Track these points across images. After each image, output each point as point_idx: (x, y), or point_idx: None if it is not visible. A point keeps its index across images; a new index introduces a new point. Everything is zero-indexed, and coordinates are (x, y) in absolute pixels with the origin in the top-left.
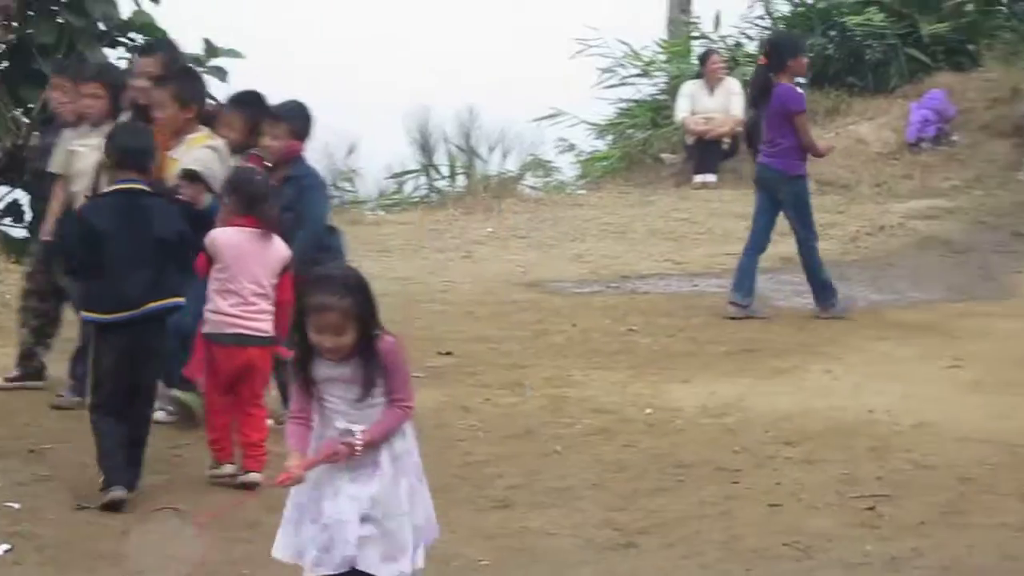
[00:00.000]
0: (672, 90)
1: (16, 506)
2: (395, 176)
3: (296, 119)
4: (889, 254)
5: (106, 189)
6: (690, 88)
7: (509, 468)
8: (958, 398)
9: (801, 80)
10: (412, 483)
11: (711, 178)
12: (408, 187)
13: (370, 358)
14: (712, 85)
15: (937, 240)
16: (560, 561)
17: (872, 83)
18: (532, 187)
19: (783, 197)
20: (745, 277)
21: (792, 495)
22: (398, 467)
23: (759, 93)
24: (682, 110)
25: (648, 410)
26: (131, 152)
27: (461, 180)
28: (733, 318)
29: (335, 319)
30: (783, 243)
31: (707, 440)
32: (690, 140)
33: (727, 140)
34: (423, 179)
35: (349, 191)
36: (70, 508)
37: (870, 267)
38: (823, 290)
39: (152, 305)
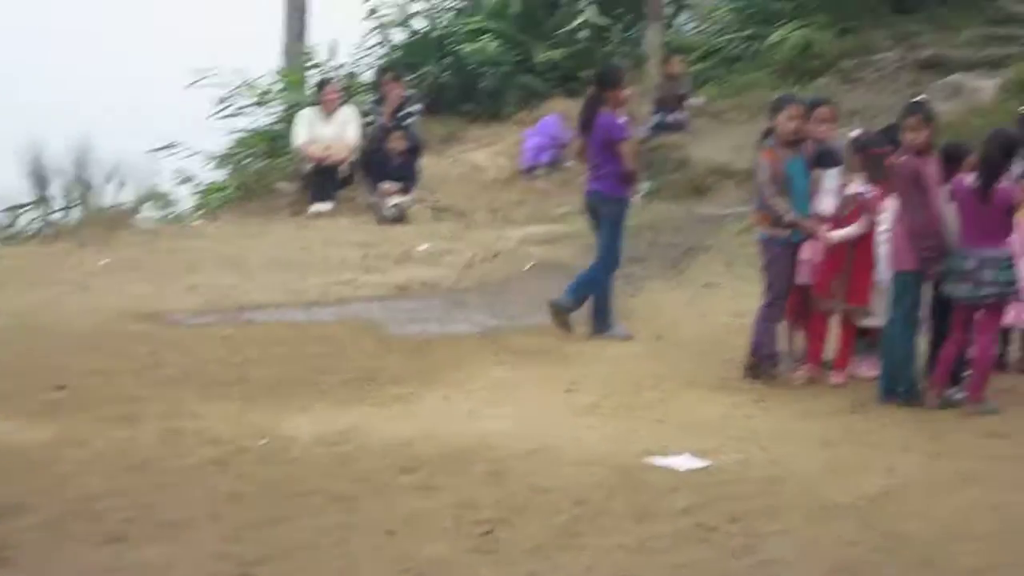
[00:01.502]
0: (288, 119)
1: None
2: (9, 209)
3: None
4: (505, 279)
5: None
6: (307, 116)
7: (124, 501)
8: (574, 421)
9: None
10: None
11: (327, 206)
12: (23, 220)
13: None
14: (328, 113)
15: (552, 265)
16: None
17: (487, 110)
18: (149, 218)
19: (603, 214)
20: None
21: (408, 522)
22: None
23: (584, 121)
24: (300, 136)
25: (263, 440)
26: None
27: (77, 212)
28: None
29: None
30: (398, 271)
31: (323, 469)
32: (308, 167)
33: (344, 168)
34: (38, 212)
35: None
36: None
37: (486, 292)
38: (600, 314)
39: None
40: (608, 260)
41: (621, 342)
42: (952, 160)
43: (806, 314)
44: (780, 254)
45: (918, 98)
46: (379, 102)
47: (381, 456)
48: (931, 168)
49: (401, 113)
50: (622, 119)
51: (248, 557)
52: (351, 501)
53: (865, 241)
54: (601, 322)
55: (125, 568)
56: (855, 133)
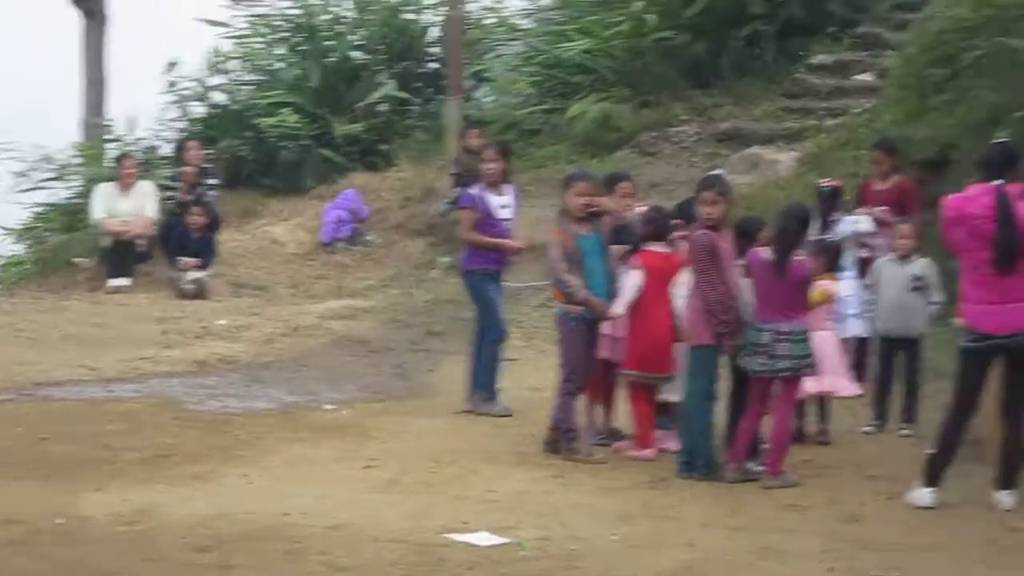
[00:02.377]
0: (87, 193)
1: None
2: None
3: None
4: (304, 355)
5: None
6: (105, 190)
7: None
8: (374, 498)
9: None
10: None
11: (125, 282)
12: None
13: None
14: (126, 188)
15: (353, 340)
16: None
17: (287, 184)
18: None
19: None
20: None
21: None
22: None
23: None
24: (98, 211)
25: (60, 520)
26: None
27: None
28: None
29: None
30: (198, 346)
31: (120, 549)
32: (106, 242)
33: (142, 242)
34: None
35: None
36: None
37: (285, 368)
38: (480, 386)
39: None
40: (484, 333)
41: (428, 419)
42: (746, 235)
43: (607, 389)
44: (574, 329)
45: (713, 172)
46: (178, 175)
47: (179, 535)
48: (726, 242)
49: (200, 186)
50: (475, 191)
51: None
52: None
53: (634, 307)
54: (481, 393)
55: None
56: (640, 209)
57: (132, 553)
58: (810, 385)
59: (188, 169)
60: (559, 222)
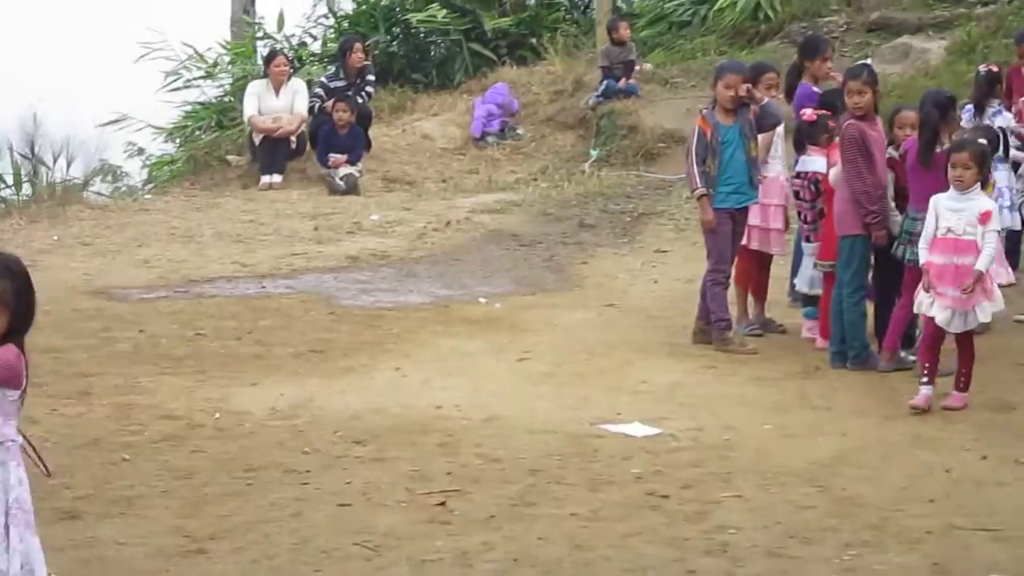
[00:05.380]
0: (237, 91)
1: None
2: None
3: None
4: (456, 249)
5: None
6: (256, 88)
7: (77, 478)
8: (528, 391)
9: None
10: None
11: (277, 178)
12: None
13: None
14: (277, 85)
15: (504, 234)
16: (130, 570)
17: (436, 79)
18: (99, 193)
19: None
20: None
21: (362, 494)
22: None
23: (787, 89)
24: (249, 108)
25: (216, 415)
26: None
27: (27, 188)
28: None
29: None
30: (349, 242)
31: (276, 442)
32: (257, 139)
33: (294, 139)
34: None
35: None
36: None
37: (438, 263)
38: None
39: None
40: None
41: (580, 312)
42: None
43: (758, 279)
44: (719, 220)
45: (861, 61)
46: (339, 72)
47: (333, 429)
48: (875, 131)
49: (360, 82)
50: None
51: (202, 532)
52: (304, 474)
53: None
54: None
55: (79, 545)
56: None
57: (288, 447)
58: None
59: (353, 64)
60: (703, 112)
